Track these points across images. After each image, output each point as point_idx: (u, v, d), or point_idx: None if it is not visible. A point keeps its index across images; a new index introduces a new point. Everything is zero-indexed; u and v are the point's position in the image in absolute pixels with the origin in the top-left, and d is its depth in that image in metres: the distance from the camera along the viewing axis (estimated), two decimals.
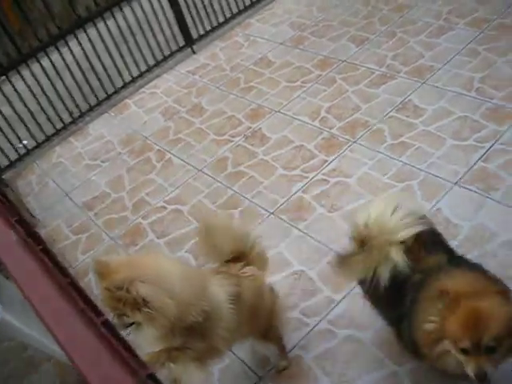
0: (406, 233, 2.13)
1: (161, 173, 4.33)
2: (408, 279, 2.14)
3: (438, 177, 3.44)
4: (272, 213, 3.59)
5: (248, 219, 3.57)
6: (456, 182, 3.37)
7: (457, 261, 2.25)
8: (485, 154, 3.49)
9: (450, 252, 2.31)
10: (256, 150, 4.18)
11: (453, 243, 3.00)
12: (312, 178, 3.76)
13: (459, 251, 2.92)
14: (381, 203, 2.30)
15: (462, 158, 3.52)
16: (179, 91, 5.28)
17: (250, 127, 4.44)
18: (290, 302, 2.98)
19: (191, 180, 4.13)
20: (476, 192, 3.27)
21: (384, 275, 2.13)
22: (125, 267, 2.00)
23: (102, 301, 2.02)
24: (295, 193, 3.69)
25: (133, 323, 2.04)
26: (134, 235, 3.83)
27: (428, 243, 2.21)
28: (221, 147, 4.35)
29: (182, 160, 4.36)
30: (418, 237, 2.15)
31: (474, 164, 3.45)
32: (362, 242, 2.18)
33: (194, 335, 2.13)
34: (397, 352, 2.61)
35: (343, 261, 2.29)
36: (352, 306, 2.89)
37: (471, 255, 2.91)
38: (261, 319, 2.43)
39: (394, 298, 2.20)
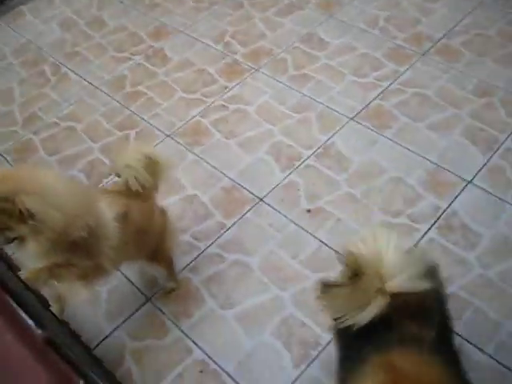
0: (401, 285, 1.72)
1: (55, 87, 4.08)
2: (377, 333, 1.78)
3: (335, 111, 3.52)
4: (168, 135, 3.53)
5: (144, 141, 3.49)
6: (352, 117, 3.46)
7: (439, 346, 1.78)
8: (382, 92, 3.61)
9: (442, 328, 1.88)
10: (156, 71, 4.04)
11: (343, 176, 3.14)
12: (212, 103, 3.71)
13: (348, 184, 3.09)
14: (384, 235, 1.89)
15: (360, 95, 3.61)
16: (79, 1, 4.94)
17: (152, 46, 4.27)
18: (182, 225, 2.99)
19: (87, 97, 3.94)
20: (370, 128, 3.38)
21: (359, 320, 1.76)
22: (9, 179, 1.90)
23: None
24: (193, 117, 3.63)
25: (15, 238, 1.97)
26: (24, 151, 3.63)
27: (421, 306, 1.80)
28: (120, 65, 4.16)
29: (78, 75, 4.13)
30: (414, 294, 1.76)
31: (371, 101, 3.56)
32: (354, 273, 1.83)
33: (78, 252, 2.08)
34: (283, 278, 2.74)
35: (327, 290, 1.92)
36: (242, 231, 2.95)
37: (357, 189, 3.07)
38: (150, 241, 2.41)
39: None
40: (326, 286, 1.89)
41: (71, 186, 2.08)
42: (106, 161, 3.42)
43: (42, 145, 3.63)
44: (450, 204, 2.96)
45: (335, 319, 1.85)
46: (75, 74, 4.15)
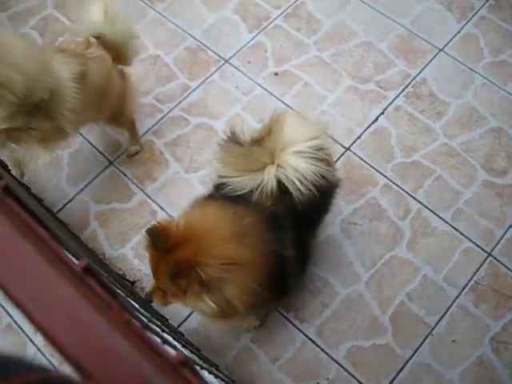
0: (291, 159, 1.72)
1: None
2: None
3: None
4: None
5: None
6: None
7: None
8: None
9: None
10: None
11: (312, 39, 3.02)
12: None
13: (318, 47, 2.98)
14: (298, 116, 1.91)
15: None
16: None
17: None
18: (144, 87, 2.87)
19: None
20: None
21: (239, 185, 1.75)
22: None
23: None
24: None
25: None
26: None
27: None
28: None
29: None
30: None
31: None
32: (258, 138, 1.83)
33: (37, 115, 1.99)
34: None
35: (228, 143, 1.87)
36: (206, 94, 2.86)
37: (327, 52, 2.97)
38: (110, 102, 2.31)
39: None
40: (230, 139, 1.86)
41: (28, 46, 1.94)
42: (61, 17, 3.18)
43: None
44: (420, 72, 2.91)
45: (220, 176, 1.84)
46: None
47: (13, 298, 0.41)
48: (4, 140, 1.99)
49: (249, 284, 1.63)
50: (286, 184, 1.72)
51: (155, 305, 1.77)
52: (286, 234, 1.78)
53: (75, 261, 0.48)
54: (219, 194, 1.81)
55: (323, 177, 1.74)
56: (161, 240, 1.57)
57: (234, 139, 1.84)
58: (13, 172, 2.40)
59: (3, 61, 1.75)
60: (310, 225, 2.02)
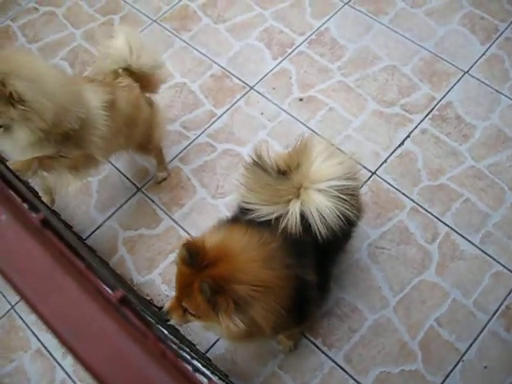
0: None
1: None
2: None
3: None
4: (155, 21, 3.36)
5: (129, 26, 3.32)
6: (347, 2, 3.29)
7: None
8: None
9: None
10: None
11: (336, 64, 3.04)
12: None
13: (342, 72, 3.00)
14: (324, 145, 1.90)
15: None
16: None
17: None
18: (171, 114, 2.92)
19: None
20: (366, 14, 3.24)
21: (264, 213, 1.78)
22: (1, 61, 1.81)
23: None
24: (181, 0, 3.44)
25: (0, 127, 1.90)
26: (3, 39, 3.38)
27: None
28: None
29: None
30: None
31: None
32: (285, 169, 1.84)
33: (68, 143, 2.04)
34: None
35: (255, 166, 1.87)
36: (232, 121, 2.90)
37: (351, 77, 2.99)
38: (138, 130, 2.36)
39: None
40: (256, 163, 1.86)
41: (60, 76, 2.00)
42: (90, 48, 3.27)
43: (21, 31, 3.45)
44: (445, 95, 2.90)
45: (245, 202, 1.86)
46: None
47: (54, 330, 0.43)
48: (36, 168, 2.03)
49: (274, 306, 1.65)
50: (309, 221, 1.76)
51: (173, 322, 1.76)
52: (308, 259, 1.80)
53: (109, 291, 0.49)
54: (244, 217, 1.83)
55: (346, 217, 1.78)
56: (198, 256, 1.58)
57: (259, 164, 1.85)
58: (44, 199, 2.45)
59: (38, 87, 1.81)
60: (331, 253, 2.02)
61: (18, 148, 1.98)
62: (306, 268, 1.79)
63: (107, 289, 0.52)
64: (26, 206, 0.55)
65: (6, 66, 1.79)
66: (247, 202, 1.84)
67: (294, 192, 1.78)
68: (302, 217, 1.76)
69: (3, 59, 1.84)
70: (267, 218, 1.77)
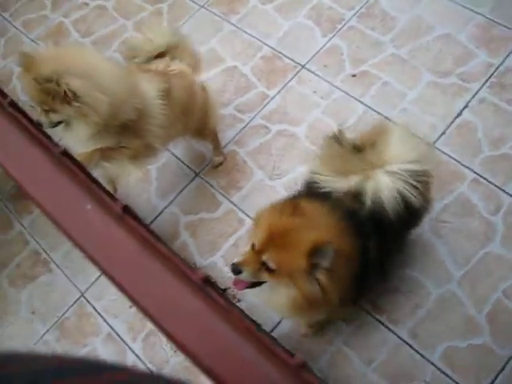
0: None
1: None
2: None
3: None
4: (202, 6, 3.37)
5: (177, 14, 3.36)
6: None
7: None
8: None
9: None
10: None
11: (388, 36, 2.99)
12: None
13: (394, 44, 2.95)
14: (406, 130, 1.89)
15: None
16: None
17: None
18: (224, 98, 2.94)
19: None
20: None
21: (337, 186, 1.79)
22: (53, 60, 1.87)
23: (28, 95, 1.92)
24: None
25: (60, 122, 1.97)
26: (57, 35, 3.54)
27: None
28: None
29: None
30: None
31: None
32: (362, 145, 1.84)
33: (127, 134, 2.10)
34: None
35: (333, 141, 1.87)
36: (285, 101, 2.89)
37: (404, 49, 2.92)
38: (194, 116, 2.39)
39: None
40: (334, 137, 1.86)
41: (115, 68, 2.05)
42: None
43: (74, 27, 3.54)
44: (503, 61, 2.80)
45: (313, 172, 1.87)
46: None
47: (146, 311, 0.45)
48: (98, 159, 2.10)
49: (344, 276, 1.68)
50: (373, 199, 1.75)
51: (244, 276, 1.72)
52: (368, 235, 1.79)
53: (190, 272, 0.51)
54: (307, 190, 1.89)
55: (409, 203, 1.76)
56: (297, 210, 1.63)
57: (337, 137, 1.86)
58: (107, 189, 2.52)
59: (92, 82, 1.86)
60: (393, 235, 1.99)
61: (79, 141, 2.05)
62: (368, 243, 1.79)
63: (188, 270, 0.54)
64: (104, 193, 0.58)
65: (58, 64, 1.84)
66: (314, 172, 1.86)
67: (363, 169, 1.78)
68: (364, 194, 1.76)
69: (56, 58, 1.89)
70: (332, 190, 1.78)
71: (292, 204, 1.67)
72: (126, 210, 0.54)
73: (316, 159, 1.91)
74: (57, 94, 1.83)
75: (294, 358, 0.46)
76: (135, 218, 0.55)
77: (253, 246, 1.69)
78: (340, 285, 1.67)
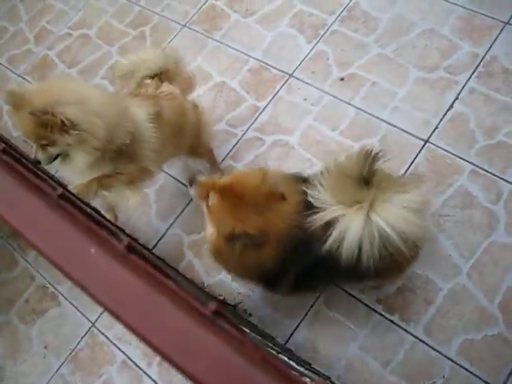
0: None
1: None
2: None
3: None
4: (184, 25, 3.39)
5: (160, 35, 3.37)
6: None
7: None
8: None
9: None
10: None
11: (371, 37, 3.00)
12: None
13: (379, 44, 2.95)
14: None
15: None
16: None
17: None
18: (216, 114, 2.95)
19: (93, 0, 3.78)
20: None
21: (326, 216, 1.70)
22: (42, 93, 1.86)
23: (23, 132, 1.91)
24: (206, 1, 3.46)
25: (58, 155, 1.97)
26: (43, 68, 3.56)
27: None
28: None
29: None
30: None
31: None
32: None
33: (122, 159, 2.09)
34: (326, 151, 2.71)
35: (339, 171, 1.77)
36: (277, 111, 2.90)
37: (389, 48, 2.93)
38: (187, 135, 2.40)
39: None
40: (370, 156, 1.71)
41: (104, 95, 2.05)
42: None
43: (59, 58, 3.55)
44: (488, 49, 2.82)
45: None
46: None
47: (158, 349, 0.45)
48: (96, 188, 2.10)
49: (251, 260, 1.79)
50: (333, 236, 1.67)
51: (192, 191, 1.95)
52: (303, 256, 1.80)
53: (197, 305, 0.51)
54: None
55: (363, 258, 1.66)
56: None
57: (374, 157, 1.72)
58: (107, 217, 2.52)
59: (85, 108, 1.86)
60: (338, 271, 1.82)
61: (77, 172, 2.05)
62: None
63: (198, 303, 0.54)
64: (107, 233, 0.58)
65: (49, 96, 1.83)
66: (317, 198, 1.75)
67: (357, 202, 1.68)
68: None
69: (46, 91, 1.88)
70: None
71: (266, 176, 1.79)
72: (130, 248, 0.54)
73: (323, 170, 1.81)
74: (54, 124, 1.82)
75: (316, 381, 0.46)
76: (140, 254, 0.55)
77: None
78: (242, 261, 1.81)
